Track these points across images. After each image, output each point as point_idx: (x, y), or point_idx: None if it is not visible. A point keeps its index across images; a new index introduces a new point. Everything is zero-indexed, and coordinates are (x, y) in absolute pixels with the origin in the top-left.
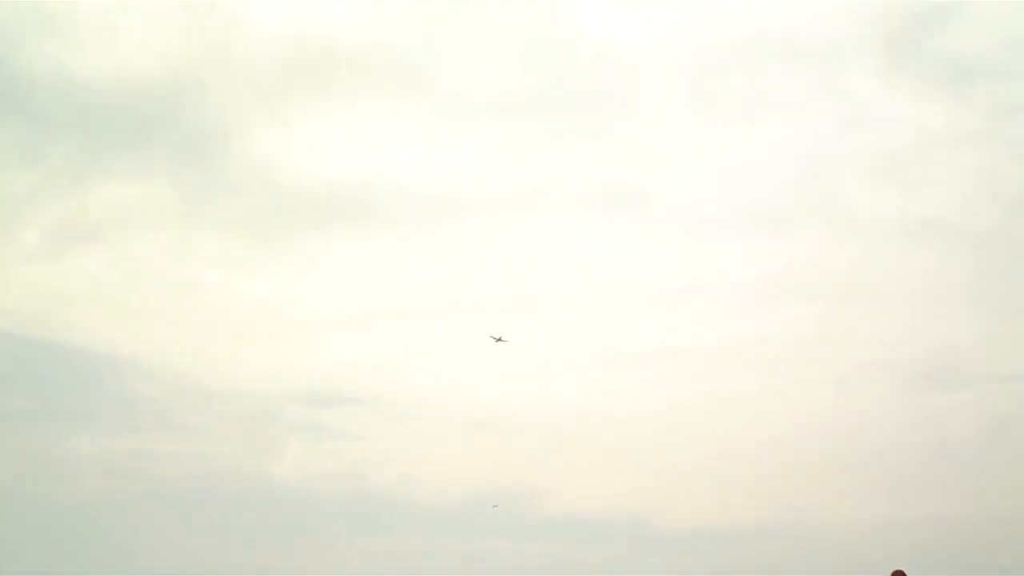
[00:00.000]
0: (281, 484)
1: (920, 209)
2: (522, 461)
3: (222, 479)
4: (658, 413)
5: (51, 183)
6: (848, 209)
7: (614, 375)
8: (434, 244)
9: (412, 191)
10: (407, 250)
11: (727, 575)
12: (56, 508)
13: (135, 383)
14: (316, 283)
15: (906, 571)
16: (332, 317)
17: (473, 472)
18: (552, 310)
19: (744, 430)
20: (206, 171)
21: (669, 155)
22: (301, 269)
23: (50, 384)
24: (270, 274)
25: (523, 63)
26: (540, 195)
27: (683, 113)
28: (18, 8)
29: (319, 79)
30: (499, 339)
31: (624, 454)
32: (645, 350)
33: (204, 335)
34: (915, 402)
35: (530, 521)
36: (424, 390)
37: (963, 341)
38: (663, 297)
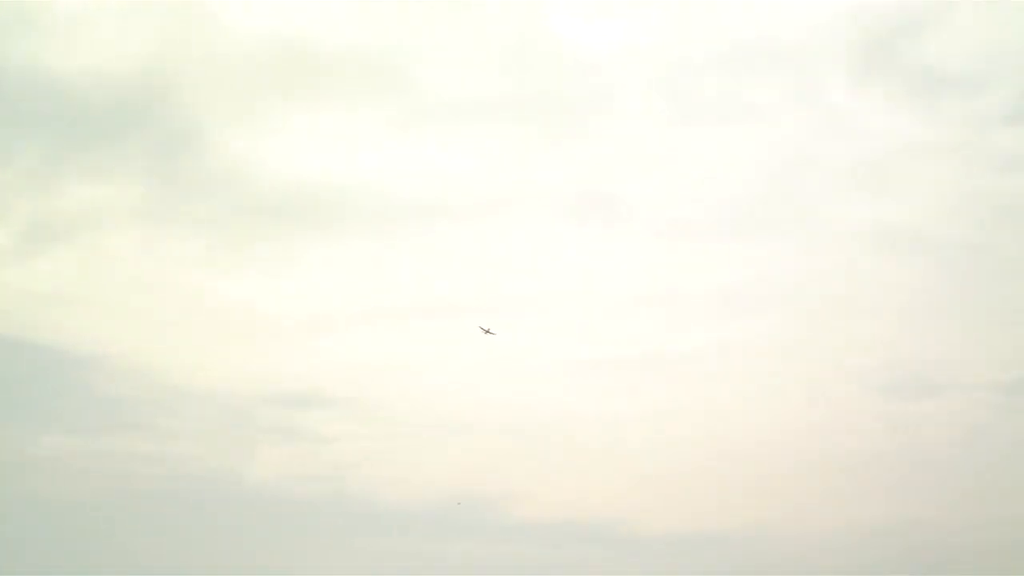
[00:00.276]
0: (254, 485)
1: (893, 218)
2: (497, 465)
3: (194, 480)
4: (633, 418)
5: (22, 182)
6: (822, 217)
7: (588, 380)
8: (409, 247)
9: (387, 194)
10: (381, 253)
11: None
12: (27, 508)
13: (107, 383)
14: (290, 284)
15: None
16: (305, 319)
17: (447, 475)
18: (527, 314)
19: (718, 436)
20: (179, 171)
21: (645, 161)
22: (275, 270)
23: (21, 383)
24: (243, 275)
25: (500, 68)
26: (515, 199)
27: (659, 120)
28: None
29: (295, 80)
30: (487, 330)
31: (599, 459)
32: (620, 355)
33: (176, 335)
34: (887, 410)
35: (506, 524)
36: (398, 393)
37: (935, 350)
38: (637, 303)
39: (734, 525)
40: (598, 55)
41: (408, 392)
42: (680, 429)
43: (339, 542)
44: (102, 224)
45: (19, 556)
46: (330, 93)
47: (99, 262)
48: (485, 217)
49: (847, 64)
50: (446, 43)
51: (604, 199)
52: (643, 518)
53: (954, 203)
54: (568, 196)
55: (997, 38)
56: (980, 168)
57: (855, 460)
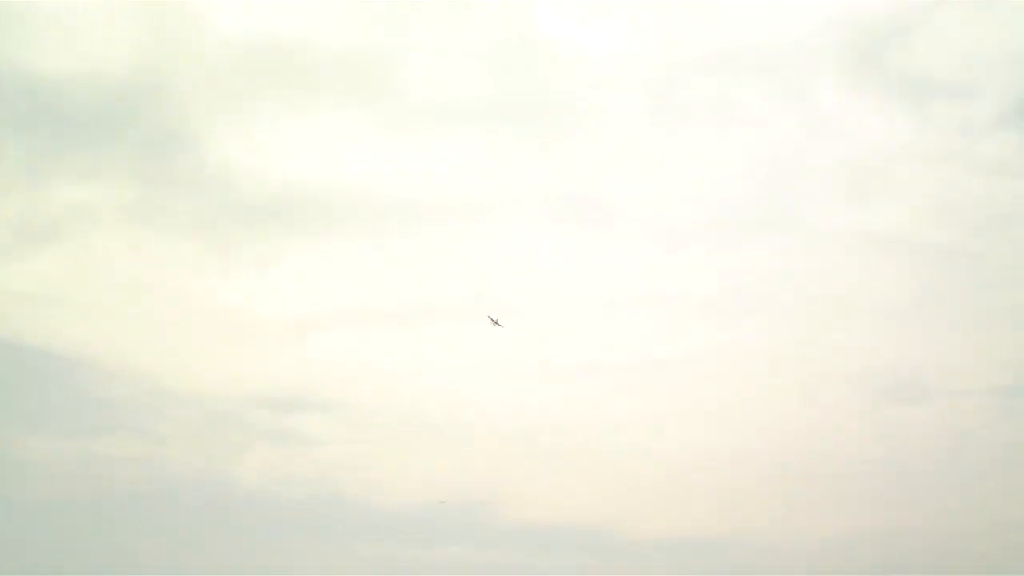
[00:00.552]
0: (243, 489)
1: (884, 222)
2: (487, 468)
3: (182, 483)
4: (621, 423)
5: (8, 182)
6: (812, 221)
7: (579, 384)
8: (399, 250)
9: (377, 196)
10: (368, 256)
11: None
12: (14, 510)
13: (93, 385)
14: (277, 286)
15: None
16: (294, 321)
17: (438, 478)
18: (513, 318)
19: (706, 441)
20: (166, 172)
21: (636, 164)
22: (262, 272)
23: (6, 385)
24: (231, 276)
25: (490, 70)
26: (506, 202)
27: (646, 123)
28: None
29: (284, 81)
30: (495, 321)
31: (587, 464)
32: (610, 360)
33: (164, 337)
34: (877, 415)
35: (496, 528)
36: (388, 396)
37: (925, 355)
38: (624, 307)
39: (726, 530)
40: (588, 57)
41: (399, 395)
42: (670, 433)
43: (329, 545)
44: (90, 226)
45: (6, 558)
46: (319, 95)
47: (87, 264)
48: (475, 220)
49: (837, 69)
50: (435, 45)
51: (593, 202)
52: (634, 522)
53: (944, 207)
54: (557, 199)
55: (986, 43)
56: (970, 172)
57: (847, 465)
